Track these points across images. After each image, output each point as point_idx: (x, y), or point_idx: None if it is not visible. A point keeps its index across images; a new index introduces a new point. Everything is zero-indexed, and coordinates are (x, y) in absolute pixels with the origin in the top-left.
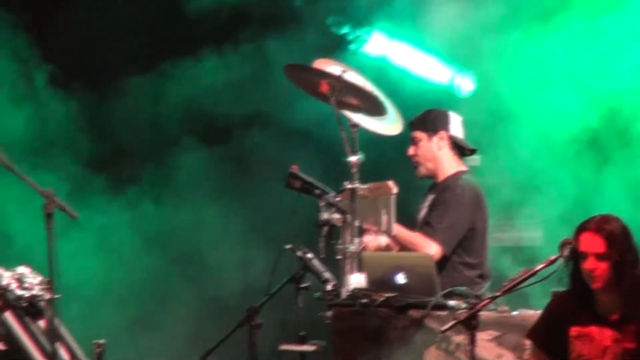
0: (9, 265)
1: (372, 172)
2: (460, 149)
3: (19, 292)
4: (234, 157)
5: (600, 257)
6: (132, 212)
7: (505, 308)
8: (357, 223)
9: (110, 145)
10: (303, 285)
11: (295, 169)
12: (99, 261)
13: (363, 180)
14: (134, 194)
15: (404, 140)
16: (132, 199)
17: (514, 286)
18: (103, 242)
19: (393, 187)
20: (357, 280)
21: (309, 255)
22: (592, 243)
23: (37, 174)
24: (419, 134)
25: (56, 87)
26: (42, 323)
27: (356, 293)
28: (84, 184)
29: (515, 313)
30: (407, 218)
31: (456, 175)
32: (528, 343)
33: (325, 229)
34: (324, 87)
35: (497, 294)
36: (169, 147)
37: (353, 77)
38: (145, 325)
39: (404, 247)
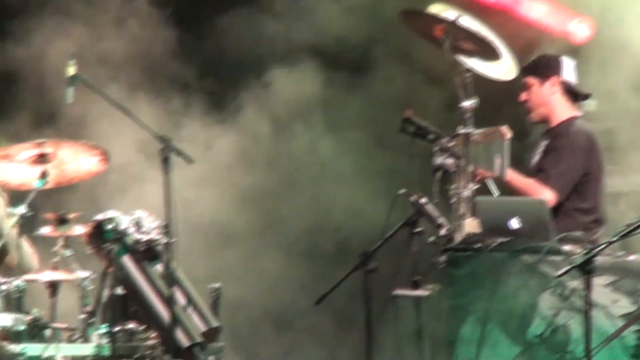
0: (127, 210)
1: (485, 117)
2: (574, 94)
3: (137, 236)
4: (350, 84)
5: None
6: (242, 147)
7: (622, 253)
8: (470, 168)
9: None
10: (417, 230)
11: (409, 113)
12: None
13: (477, 126)
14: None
15: (519, 85)
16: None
17: (631, 231)
18: (213, 177)
19: (507, 132)
20: (470, 225)
21: (423, 200)
22: None
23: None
24: (531, 80)
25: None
26: (159, 267)
27: (470, 238)
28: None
29: (632, 258)
30: (520, 164)
31: (570, 121)
32: None
33: (439, 173)
34: (439, 32)
35: (614, 239)
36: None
37: (468, 21)
38: (257, 267)
39: (517, 193)
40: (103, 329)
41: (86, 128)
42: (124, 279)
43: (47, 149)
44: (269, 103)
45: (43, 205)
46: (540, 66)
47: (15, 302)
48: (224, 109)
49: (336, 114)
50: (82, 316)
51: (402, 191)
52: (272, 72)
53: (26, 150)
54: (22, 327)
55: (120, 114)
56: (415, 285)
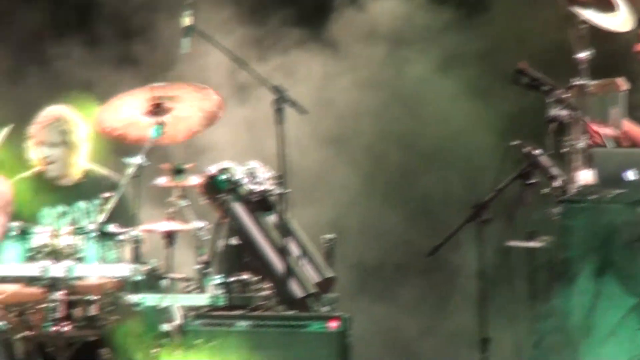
0: (240, 160)
1: (601, 68)
2: None
3: (251, 186)
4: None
5: None
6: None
7: None
8: (585, 119)
9: None
10: (531, 181)
11: (523, 65)
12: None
13: (592, 77)
14: None
15: (635, 36)
16: None
17: None
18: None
19: (622, 84)
20: (585, 176)
21: (537, 152)
22: None
23: None
24: None
25: None
26: (273, 218)
27: (585, 189)
28: None
29: None
30: (636, 117)
31: None
32: None
33: (554, 125)
34: None
35: None
36: None
37: None
38: (373, 221)
39: (634, 144)
40: (218, 279)
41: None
42: (239, 229)
43: (164, 99)
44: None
45: (158, 157)
46: None
47: (132, 252)
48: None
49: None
50: (198, 266)
51: (515, 143)
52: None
53: (143, 101)
54: (139, 277)
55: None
56: (529, 237)
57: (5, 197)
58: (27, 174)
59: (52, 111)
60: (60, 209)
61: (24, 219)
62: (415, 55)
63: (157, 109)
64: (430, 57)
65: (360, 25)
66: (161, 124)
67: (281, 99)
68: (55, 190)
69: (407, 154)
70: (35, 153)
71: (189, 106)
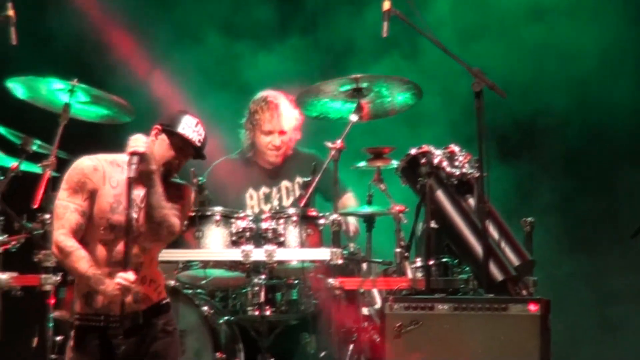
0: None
1: None
2: None
3: (450, 169)
4: None
5: None
6: None
7: None
8: None
9: None
10: None
11: None
12: None
13: None
14: None
15: None
16: None
17: None
18: None
19: None
20: None
21: None
22: None
23: None
24: None
25: None
26: (471, 201)
27: None
28: None
29: None
30: None
31: None
32: None
33: None
34: None
35: None
36: None
37: None
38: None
39: None
40: (418, 263)
41: None
42: (438, 212)
43: (362, 83)
44: None
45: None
46: None
47: (332, 236)
48: None
49: None
50: (397, 250)
51: None
52: None
53: (342, 85)
54: (339, 261)
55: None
56: None
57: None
58: (233, 156)
59: (276, 98)
60: (265, 190)
61: (230, 201)
62: None
63: (357, 93)
64: None
65: None
66: (360, 107)
67: (479, 82)
68: (260, 172)
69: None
70: (262, 140)
71: (388, 89)
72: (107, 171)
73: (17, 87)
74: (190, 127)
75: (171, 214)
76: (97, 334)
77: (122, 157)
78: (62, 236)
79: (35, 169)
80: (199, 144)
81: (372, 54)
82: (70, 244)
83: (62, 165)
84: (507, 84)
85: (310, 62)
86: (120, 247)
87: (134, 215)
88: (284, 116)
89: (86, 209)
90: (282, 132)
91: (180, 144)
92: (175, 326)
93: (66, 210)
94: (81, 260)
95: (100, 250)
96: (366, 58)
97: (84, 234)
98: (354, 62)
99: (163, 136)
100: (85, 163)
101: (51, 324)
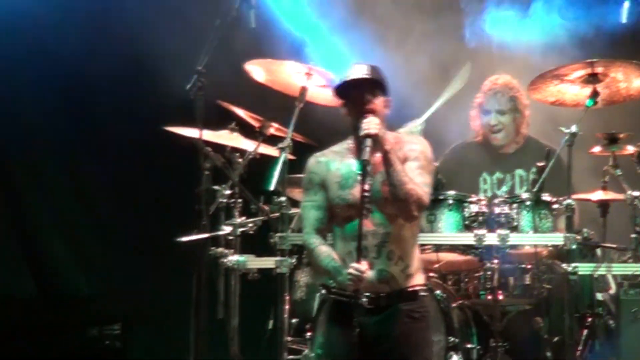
0: None
1: None
2: None
3: None
4: None
5: None
6: None
7: None
8: None
9: None
10: None
11: None
12: None
13: None
14: None
15: None
16: None
17: None
18: None
19: None
20: None
21: None
22: None
23: None
24: None
25: None
26: None
27: None
28: None
29: None
30: None
31: None
32: None
33: None
34: None
35: None
36: None
37: None
38: None
39: None
40: None
41: None
42: None
43: (598, 68)
44: None
45: (594, 125)
46: None
47: (566, 221)
48: None
49: None
50: (633, 235)
51: None
52: None
53: (577, 70)
54: (573, 246)
55: None
56: None
57: (428, 156)
58: (469, 140)
59: (498, 79)
60: (499, 175)
61: (464, 185)
62: None
63: (592, 78)
64: None
65: None
66: (596, 93)
67: None
68: (495, 158)
69: None
70: (482, 120)
71: (625, 75)
72: (329, 159)
73: (257, 70)
74: (346, 74)
75: (415, 187)
76: (343, 309)
77: (342, 144)
78: (306, 235)
79: (273, 151)
80: (356, 77)
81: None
82: (312, 241)
83: (298, 149)
84: None
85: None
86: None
87: (366, 194)
88: (504, 96)
89: (321, 202)
90: (500, 112)
91: (348, 93)
92: (425, 314)
93: (304, 210)
94: (321, 255)
95: (342, 230)
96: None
97: (329, 223)
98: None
99: (342, 107)
100: (309, 161)
101: (287, 307)
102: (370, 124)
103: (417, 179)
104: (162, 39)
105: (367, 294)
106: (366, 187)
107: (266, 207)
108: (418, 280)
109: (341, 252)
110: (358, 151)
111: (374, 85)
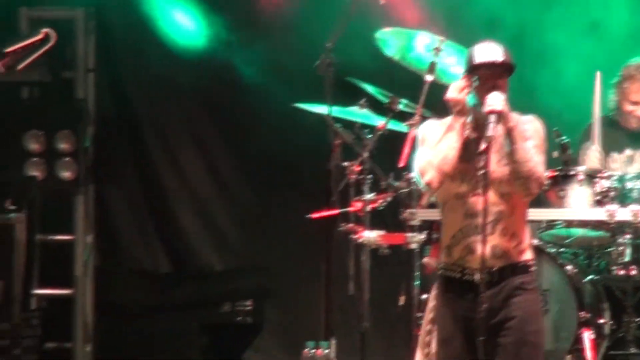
0: None
1: None
2: None
3: None
4: None
5: None
6: None
7: None
8: None
9: None
10: None
11: None
12: None
13: None
14: None
15: None
16: None
17: None
18: None
19: None
20: None
21: None
22: None
23: None
24: None
25: None
26: None
27: None
28: None
29: None
30: None
31: None
32: None
33: None
34: None
35: None
36: None
37: None
38: None
39: None
40: None
41: None
42: None
43: None
44: None
45: None
46: None
47: None
48: None
49: None
50: None
51: None
52: None
53: None
54: None
55: None
56: None
57: (542, 135)
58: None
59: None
60: (629, 152)
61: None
62: None
63: None
64: None
65: None
66: None
67: None
68: (624, 134)
69: None
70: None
71: None
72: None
73: (387, 43)
74: (479, 52)
75: (537, 165)
76: (455, 285)
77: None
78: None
79: (402, 127)
80: (495, 59)
81: None
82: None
83: None
84: None
85: None
86: (474, 199)
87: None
88: None
89: None
90: None
91: (476, 69)
92: (536, 286)
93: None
94: None
95: (454, 207)
96: None
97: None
98: None
99: (473, 81)
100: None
101: (418, 282)
102: (496, 100)
103: (535, 158)
104: (292, 15)
105: (474, 268)
106: (487, 163)
107: (396, 183)
108: (528, 255)
109: (453, 229)
110: (476, 127)
111: (504, 66)
